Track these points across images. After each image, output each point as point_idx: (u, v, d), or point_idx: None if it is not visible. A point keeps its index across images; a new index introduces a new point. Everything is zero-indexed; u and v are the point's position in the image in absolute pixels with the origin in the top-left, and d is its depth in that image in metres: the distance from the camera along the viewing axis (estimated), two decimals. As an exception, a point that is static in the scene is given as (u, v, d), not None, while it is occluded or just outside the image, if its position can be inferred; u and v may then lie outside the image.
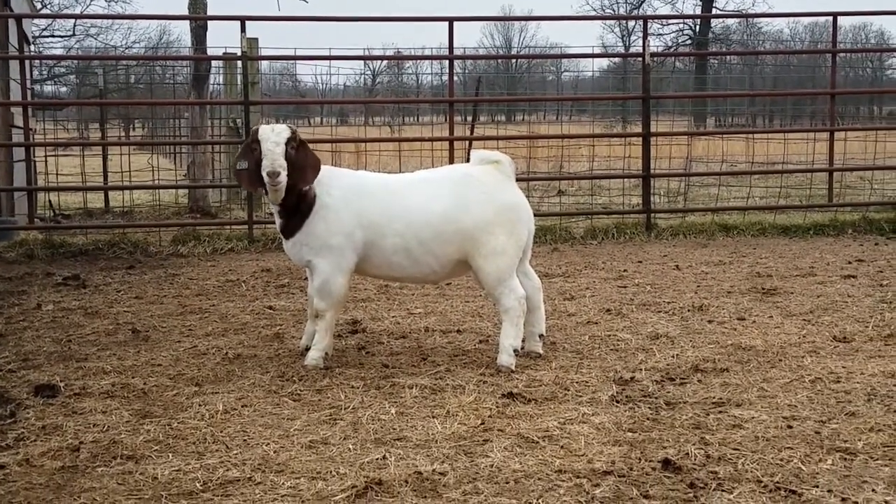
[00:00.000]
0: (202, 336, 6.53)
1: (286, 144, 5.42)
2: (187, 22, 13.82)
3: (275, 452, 4.23)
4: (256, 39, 12.23)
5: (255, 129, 5.55)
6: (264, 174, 5.38)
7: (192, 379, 5.44)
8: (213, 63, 14.07)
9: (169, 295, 8.03)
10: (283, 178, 5.39)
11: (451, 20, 11.52)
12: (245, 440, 4.39)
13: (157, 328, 6.78)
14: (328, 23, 12.76)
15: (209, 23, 13.70)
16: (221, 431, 4.50)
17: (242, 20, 10.90)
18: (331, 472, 3.99)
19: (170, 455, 4.21)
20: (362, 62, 27.63)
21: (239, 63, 11.55)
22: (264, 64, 15.40)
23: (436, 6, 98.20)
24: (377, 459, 4.12)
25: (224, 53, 13.50)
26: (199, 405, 4.90)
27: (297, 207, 5.60)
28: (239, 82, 11.97)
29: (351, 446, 4.29)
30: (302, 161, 5.50)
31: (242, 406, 4.90)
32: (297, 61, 14.91)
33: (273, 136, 5.42)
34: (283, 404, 4.96)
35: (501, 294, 5.61)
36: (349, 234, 5.56)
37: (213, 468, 4.03)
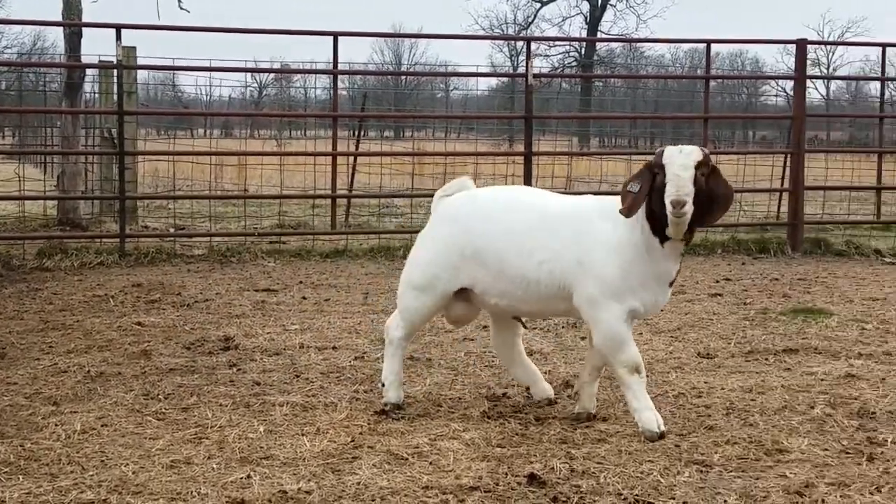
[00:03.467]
0: (63, 353, 6.31)
1: (696, 169, 4.47)
2: (62, 28, 13.40)
3: (133, 473, 4.12)
4: (134, 48, 12.01)
5: (661, 150, 4.59)
6: (667, 202, 4.41)
7: (49, 398, 5.26)
8: (90, 71, 13.72)
9: (30, 310, 7.75)
10: (689, 208, 4.42)
11: (335, 35, 11.48)
12: (103, 461, 4.27)
13: (15, 345, 6.53)
14: (221, 34, 12.55)
15: (86, 30, 13.36)
16: (78, 452, 4.37)
17: (118, 28, 10.63)
18: (191, 492, 3.92)
19: (20, 477, 4.06)
20: (249, 74, 27.42)
21: (115, 71, 11.31)
22: (146, 73, 15.17)
23: (324, 21, 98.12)
24: (241, 479, 4.05)
25: (99, 62, 13.19)
26: (56, 425, 4.74)
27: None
28: (115, 91, 11.71)
29: (215, 466, 4.22)
30: (712, 191, 4.56)
31: (102, 426, 4.76)
32: (180, 72, 14.71)
33: (681, 159, 4.47)
34: (147, 423, 4.84)
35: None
36: None
37: (66, 490, 3.90)
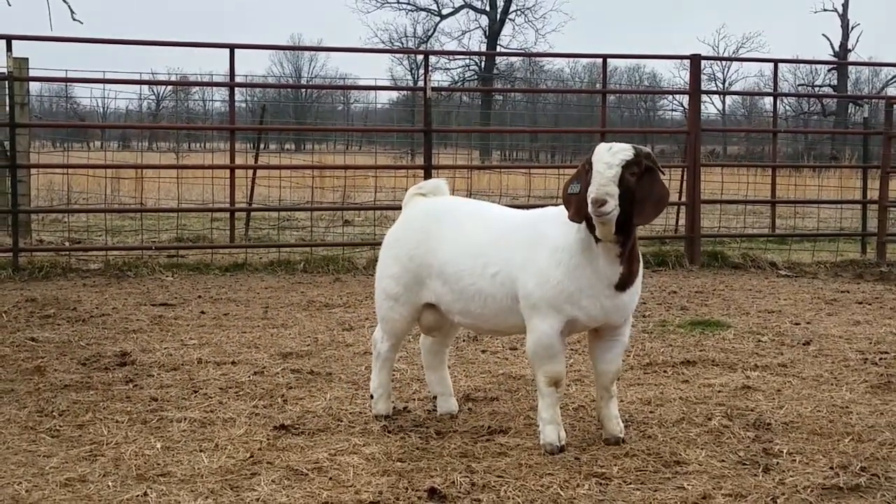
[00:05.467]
0: (-47, 370, 6.13)
1: (624, 168, 4.31)
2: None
3: (27, 492, 4.03)
4: (26, 59, 11.72)
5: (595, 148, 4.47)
6: (588, 200, 4.27)
7: (-61, 416, 5.10)
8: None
9: (-82, 327, 7.51)
10: (611, 208, 4.25)
11: (232, 47, 11.40)
12: (-6, 480, 4.15)
13: None
14: (119, 45, 12.35)
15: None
16: (-32, 472, 4.24)
17: (9, 38, 10.42)
18: (86, 511, 3.84)
19: None
20: (146, 86, 27.03)
21: (7, 83, 11.04)
22: (39, 85, 14.84)
23: (223, 32, 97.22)
24: (138, 496, 3.99)
25: (-11, 73, 12.85)
26: (-54, 443, 4.60)
27: (633, 250, 4.56)
28: (6, 103, 11.41)
29: (110, 483, 4.14)
30: (643, 192, 4.38)
31: (-6, 444, 4.63)
32: (75, 83, 14.41)
33: (607, 157, 4.32)
34: (41, 441, 4.73)
35: None
36: None
37: (-45, 511, 3.79)
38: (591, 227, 4.42)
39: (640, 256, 4.69)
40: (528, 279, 4.57)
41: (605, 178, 4.26)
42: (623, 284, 4.51)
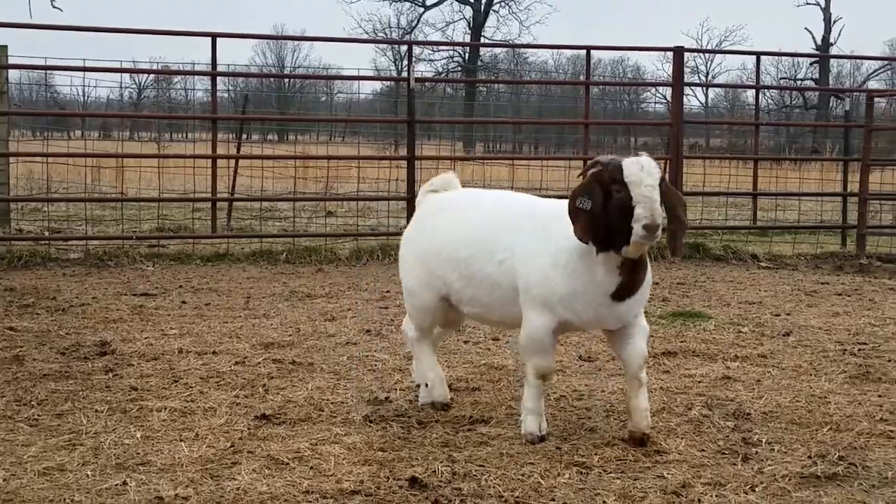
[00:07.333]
0: (-67, 359, 6.09)
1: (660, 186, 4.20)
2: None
3: (4, 480, 4.01)
4: (5, 47, 11.64)
5: (616, 163, 4.24)
6: (639, 226, 4.10)
7: (-84, 405, 5.06)
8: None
9: None
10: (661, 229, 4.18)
11: (214, 36, 11.34)
12: (-29, 469, 4.13)
13: None
14: (100, 33, 12.28)
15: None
16: (-55, 460, 4.22)
17: (-13, 26, 10.39)
18: (65, 499, 3.82)
19: None
20: (128, 74, 26.87)
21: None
22: (18, 73, 14.75)
23: (205, 21, 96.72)
24: (116, 486, 3.97)
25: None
26: (-77, 432, 4.57)
27: (640, 257, 4.42)
28: (-14, 91, 11.35)
29: (89, 472, 4.12)
30: (674, 200, 4.35)
31: (-29, 434, 4.60)
32: (54, 71, 14.34)
33: (649, 179, 4.14)
34: (19, 430, 4.70)
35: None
36: None
37: (-68, 500, 3.77)
38: (600, 245, 4.30)
39: (648, 262, 4.59)
40: (530, 272, 4.56)
41: (656, 202, 4.13)
42: (620, 295, 4.42)
